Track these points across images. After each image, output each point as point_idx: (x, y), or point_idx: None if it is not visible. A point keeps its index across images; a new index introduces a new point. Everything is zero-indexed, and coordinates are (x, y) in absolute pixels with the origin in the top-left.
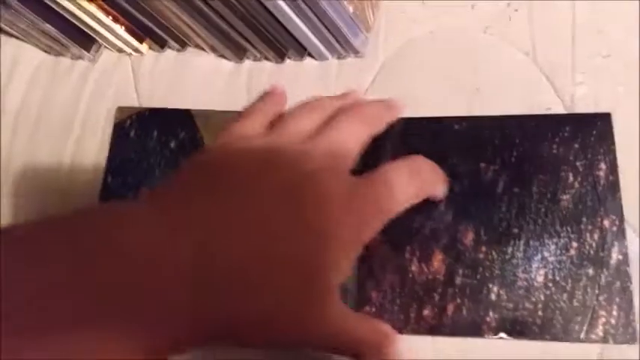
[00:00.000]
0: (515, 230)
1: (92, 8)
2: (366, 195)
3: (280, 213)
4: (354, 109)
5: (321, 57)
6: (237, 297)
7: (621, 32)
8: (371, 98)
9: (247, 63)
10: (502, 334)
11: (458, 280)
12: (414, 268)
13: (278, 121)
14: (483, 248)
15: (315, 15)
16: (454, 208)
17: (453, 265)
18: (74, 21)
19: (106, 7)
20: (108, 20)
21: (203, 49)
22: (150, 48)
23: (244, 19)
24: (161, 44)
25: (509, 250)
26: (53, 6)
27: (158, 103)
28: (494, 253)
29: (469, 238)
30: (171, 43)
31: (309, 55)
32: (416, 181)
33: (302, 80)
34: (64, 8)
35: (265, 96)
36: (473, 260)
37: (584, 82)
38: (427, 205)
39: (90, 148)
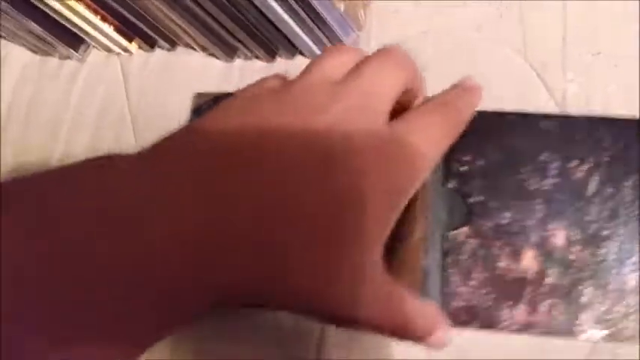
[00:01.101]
0: (607, 232)
1: (80, 7)
2: (403, 146)
3: (301, 168)
4: (387, 54)
5: (312, 55)
6: (240, 261)
7: (611, 31)
8: None
9: (238, 62)
10: (598, 336)
11: (549, 280)
12: (502, 264)
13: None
14: (575, 248)
15: (306, 13)
16: (544, 205)
17: (544, 263)
18: (62, 21)
19: (94, 6)
20: (96, 20)
21: (193, 48)
22: (139, 47)
23: (234, 18)
24: (151, 44)
25: (602, 252)
26: (40, 6)
27: (148, 102)
28: (586, 253)
29: (561, 237)
30: (161, 42)
31: (300, 53)
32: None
33: None
34: (51, 8)
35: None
36: (564, 260)
37: (574, 79)
38: (516, 201)
39: (79, 148)
